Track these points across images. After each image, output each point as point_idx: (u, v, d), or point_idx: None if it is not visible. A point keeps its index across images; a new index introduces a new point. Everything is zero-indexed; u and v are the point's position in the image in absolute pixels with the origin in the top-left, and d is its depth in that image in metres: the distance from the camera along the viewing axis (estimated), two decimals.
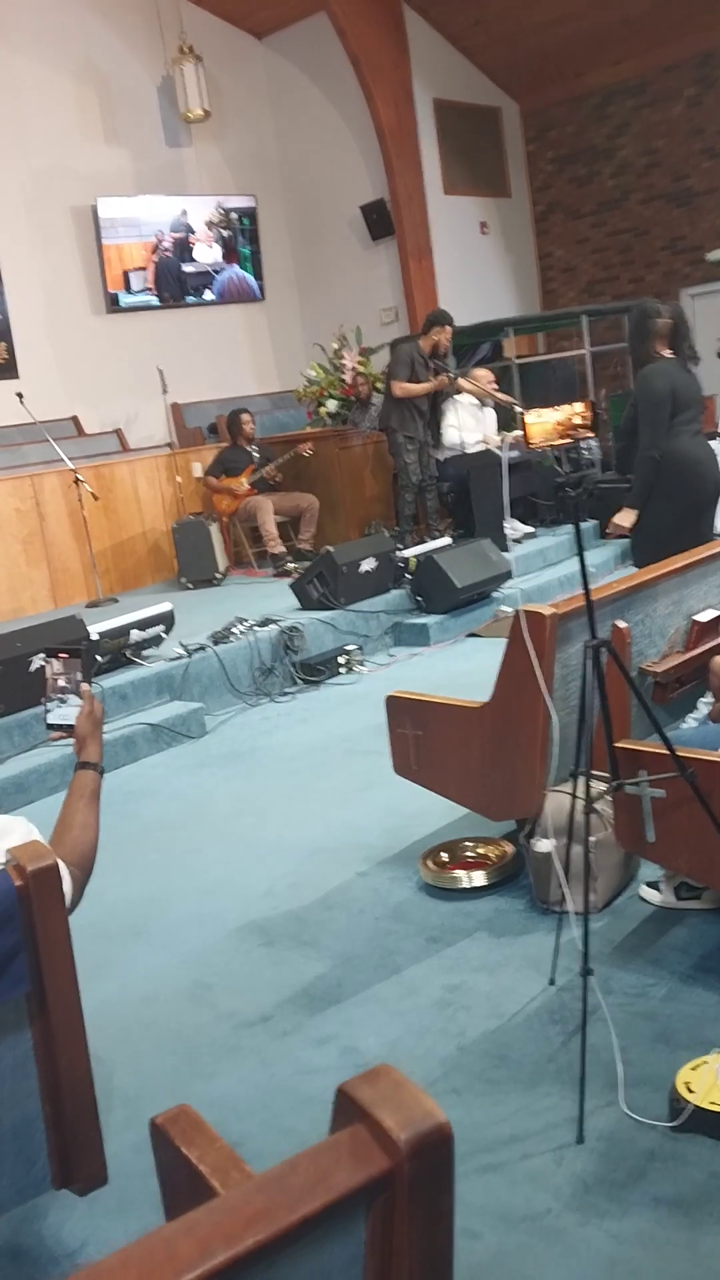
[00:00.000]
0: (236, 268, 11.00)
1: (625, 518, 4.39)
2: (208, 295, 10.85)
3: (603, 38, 10.57)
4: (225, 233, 10.85)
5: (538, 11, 10.34)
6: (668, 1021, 2.40)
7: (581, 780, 2.33)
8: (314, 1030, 2.60)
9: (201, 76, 10.21)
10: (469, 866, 3.21)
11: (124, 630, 5.30)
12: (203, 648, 5.52)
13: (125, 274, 10.20)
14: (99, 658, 5.14)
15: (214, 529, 7.93)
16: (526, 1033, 2.45)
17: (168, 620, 5.57)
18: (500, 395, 8.05)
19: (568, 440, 1.81)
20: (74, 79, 9.85)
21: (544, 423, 1.83)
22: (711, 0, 9.88)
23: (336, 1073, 2.41)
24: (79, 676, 2.17)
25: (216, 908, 3.33)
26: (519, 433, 1.87)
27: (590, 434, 1.85)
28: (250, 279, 11.14)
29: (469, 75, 11.29)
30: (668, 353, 4.31)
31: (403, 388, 7.56)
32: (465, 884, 3.14)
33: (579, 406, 1.83)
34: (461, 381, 7.95)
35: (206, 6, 10.72)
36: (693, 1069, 2.12)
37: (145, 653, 5.45)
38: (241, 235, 10.98)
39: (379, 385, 8.81)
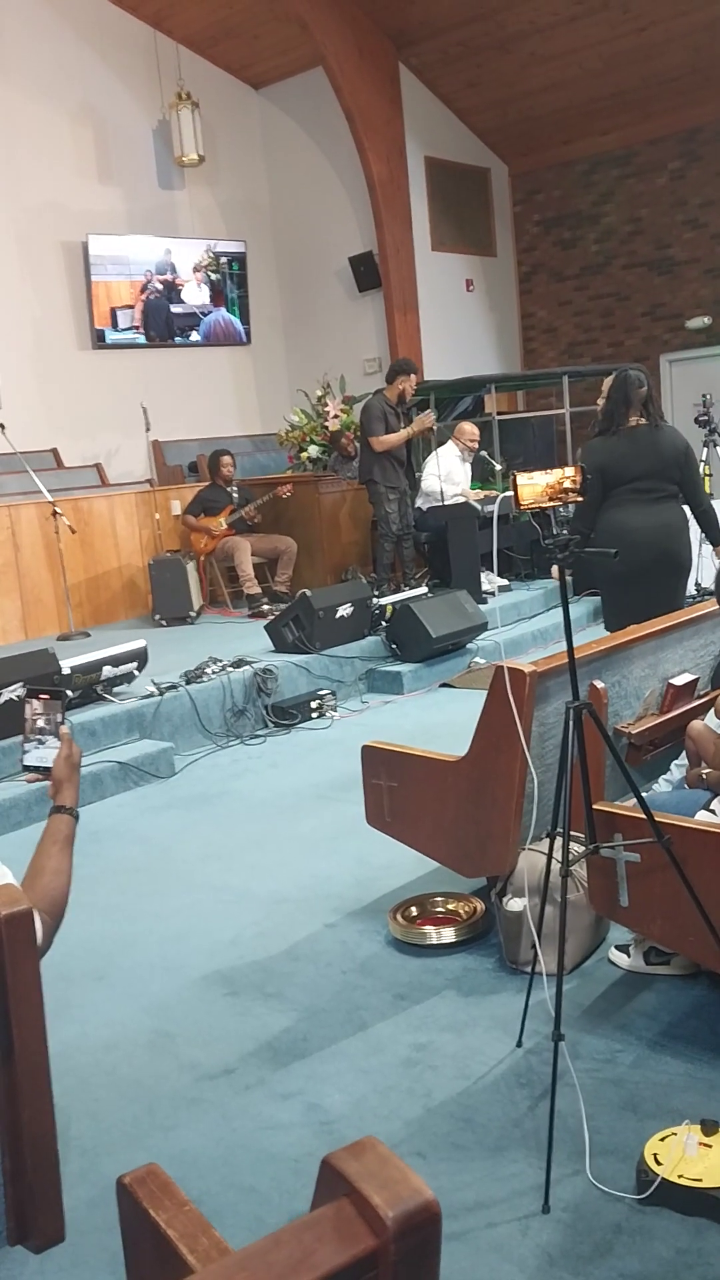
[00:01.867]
0: (223, 311, 11.10)
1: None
2: (194, 336, 10.94)
3: (592, 108, 10.87)
4: (214, 276, 10.96)
5: (530, 79, 10.62)
6: (635, 1089, 2.38)
7: (559, 841, 2.32)
8: (278, 1085, 2.56)
9: (198, 122, 10.38)
10: (438, 923, 3.19)
11: (96, 666, 5.26)
12: (175, 686, 5.49)
13: (113, 311, 10.27)
14: (70, 692, 5.09)
15: (190, 567, 7.92)
16: (493, 1096, 2.42)
17: (141, 657, 5.53)
18: (468, 458, 8.19)
19: (556, 503, 1.82)
20: (71, 118, 9.97)
21: (534, 485, 1.85)
22: (698, 79, 10.20)
23: (300, 1130, 2.37)
24: (59, 718, 2.15)
25: (181, 955, 3.28)
26: (509, 493, 1.89)
27: (579, 498, 1.87)
28: (236, 322, 11.24)
29: (461, 136, 11.55)
30: (635, 420, 4.37)
31: (381, 441, 7.61)
32: (434, 940, 3.11)
33: (569, 470, 1.84)
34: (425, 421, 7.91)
35: (206, 55, 10.92)
36: (661, 1140, 2.10)
37: (117, 689, 5.41)
38: (230, 279, 11.09)
39: (359, 437, 8.89)
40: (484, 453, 8.34)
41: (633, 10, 9.55)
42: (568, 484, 2.12)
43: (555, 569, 4.48)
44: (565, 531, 2.19)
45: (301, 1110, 2.44)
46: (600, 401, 4.57)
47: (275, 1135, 2.36)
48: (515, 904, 2.87)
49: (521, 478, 2.14)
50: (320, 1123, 2.39)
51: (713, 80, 10.17)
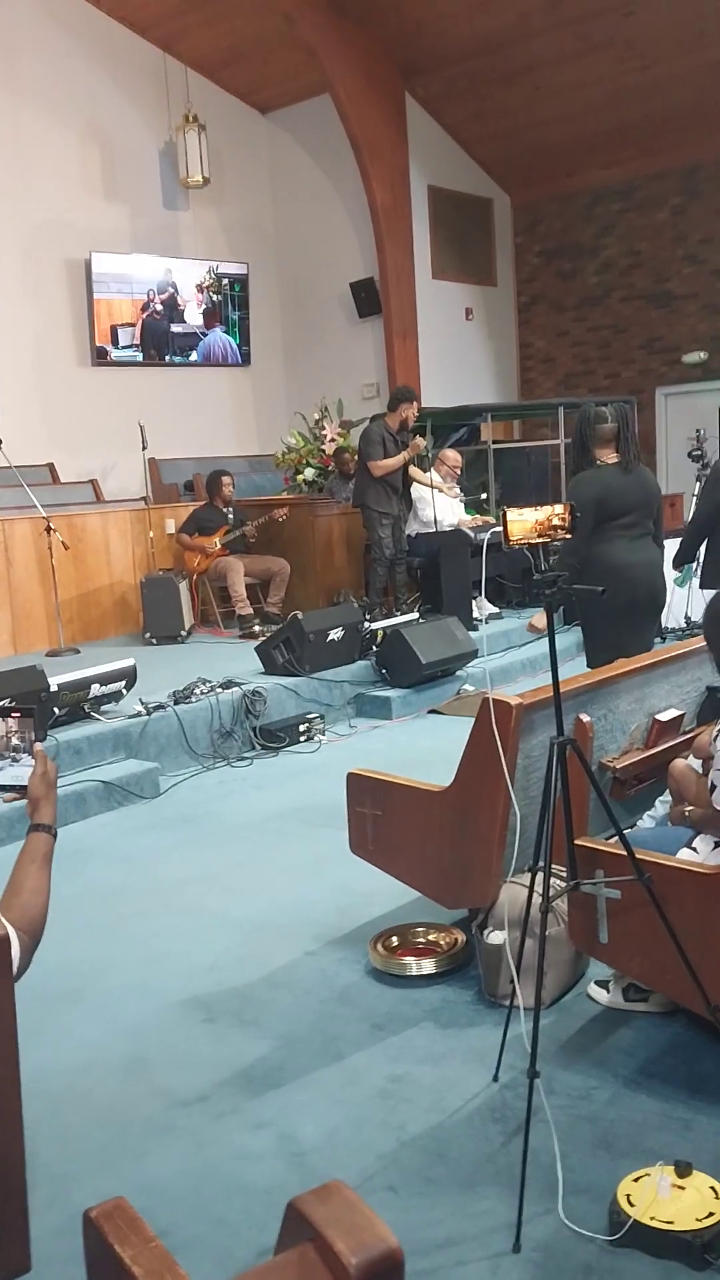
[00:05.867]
0: (219, 331, 11.14)
1: (539, 619, 4.51)
2: (193, 356, 10.99)
3: (595, 142, 10.99)
4: (216, 297, 11.02)
5: (534, 111, 10.74)
6: (610, 1127, 2.37)
7: (541, 876, 2.32)
8: (251, 1114, 2.54)
9: (204, 145, 10.47)
10: (419, 953, 3.18)
11: (84, 684, 5.25)
12: (162, 706, 5.48)
13: (113, 329, 10.31)
14: (56, 710, 5.08)
15: (183, 586, 7.92)
16: (467, 1130, 2.41)
17: (129, 676, 5.53)
18: (451, 485, 8.32)
19: (545, 539, 1.84)
20: (79, 136, 10.05)
21: (524, 521, 1.86)
22: (700, 118, 10.32)
23: (273, 1160, 2.36)
24: (32, 736, 2.16)
25: (158, 978, 3.26)
26: (495, 526, 1.91)
27: (568, 535, 1.88)
28: (233, 344, 11.28)
29: (464, 166, 11.66)
30: (612, 457, 4.37)
31: (380, 466, 7.64)
32: (414, 971, 3.10)
33: (559, 508, 1.86)
34: (415, 470, 8.08)
35: (215, 79, 11.02)
36: (634, 1180, 2.10)
37: (104, 708, 5.40)
38: (231, 301, 11.15)
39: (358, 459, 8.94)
40: (463, 481, 8.42)
41: (637, 48, 9.68)
42: (556, 521, 2.13)
43: (543, 611, 4.55)
44: (554, 562, 2.21)
45: (274, 1140, 2.43)
46: None
47: (247, 1166, 2.34)
48: (495, 936, 2.86)
49: (511, 513, 2.15)
50: (292, 1154, 2.37)
51: (714, 119, 10.30)
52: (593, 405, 4.46)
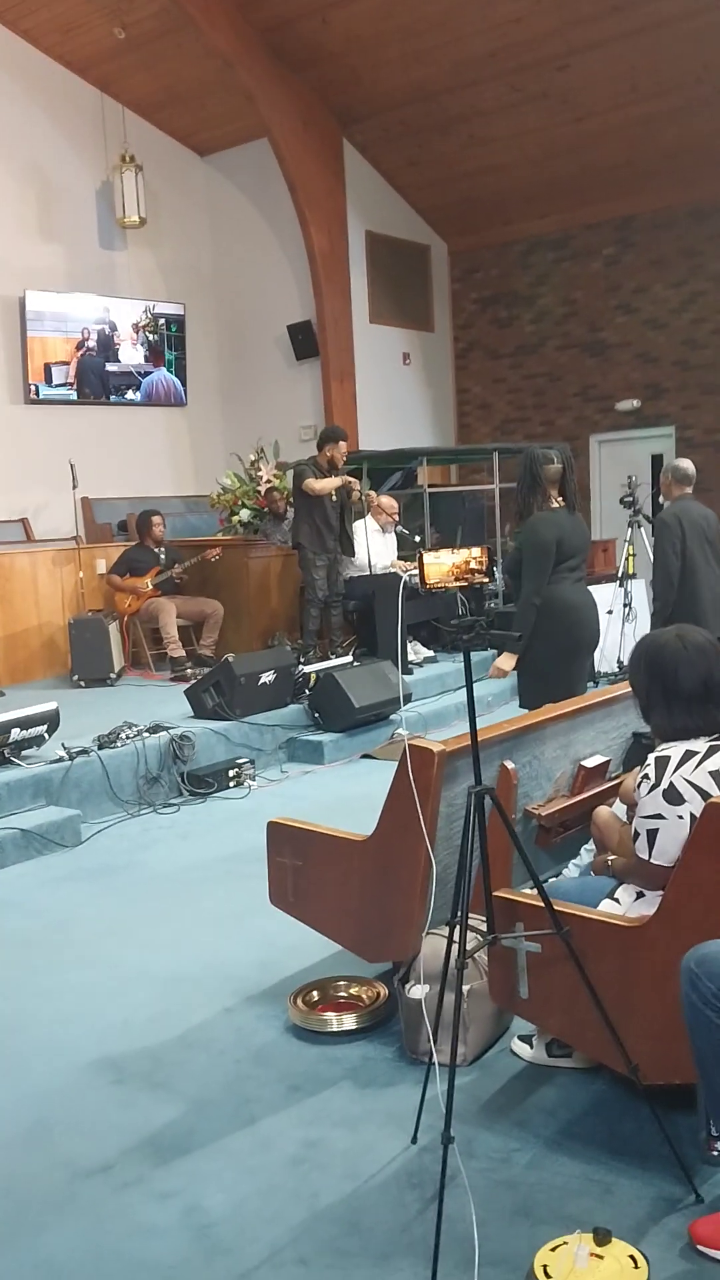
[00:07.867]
0: (164, 371, 11.11)
1: (506, 662, 4.47)
2: (130, 395, 10.93)
3: (530, 192, 11.19)
4: (152, 336, 10.98)
5: (469, 160, 10.92)
6: (529, 1192, 2.29)
7: (458, 930, 2.25)
8: (157, 1183, 2.42)
9: (141, 185, 10.47)
10: (340, 1008, 3.08)
11: (4, 728, 5.09)
12: (86, 751, 5.33)
13: (47, 366, 10.21)
14: None
15: (113, 628, 7.79)
16: (382, 1198, 2.31)
17: (51, 720, 5.38)
18: (389, 534, 8.32)
19: (462, 584, 1.81)
20: (14, 175, 9.99)
21: (440, 565, 1.83)
22: (633, 171, 10.57)
23: (177, 1234, 2.24)
24: None
25: (68, 1038, 3.12)
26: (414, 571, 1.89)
27: (485, 579, 1.86)
28: (177, 383, 11.25)
29: (402, 212, 11.80)
30: (558, 500, 4.40)
31: (312, 485, 7.58)
32: (334, 1027, 3.00)
33: (476, 551, 1.83)
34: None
35: (153, 120, 11.05)
36: (551, 1250, 2.02)
37: (25, 753, 5.24)
38: (168, 341, 11.12)
39: (292, 500, 8.89)
40: (402, 528, 8.39)
41: (570, 101, 9.90)
42: (474, 565, 2.09)
43: (507, 654, 4.47)
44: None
45: (180, 1212, 2.30)
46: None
47: (149, 1241, 2.22)
48: (416, 991, 2.78)
49: (428, 557, 2.11)
50: (199, 1226, 2.25)
51: (647, 173, 10.55)
52: (538, 448, 4.48)
